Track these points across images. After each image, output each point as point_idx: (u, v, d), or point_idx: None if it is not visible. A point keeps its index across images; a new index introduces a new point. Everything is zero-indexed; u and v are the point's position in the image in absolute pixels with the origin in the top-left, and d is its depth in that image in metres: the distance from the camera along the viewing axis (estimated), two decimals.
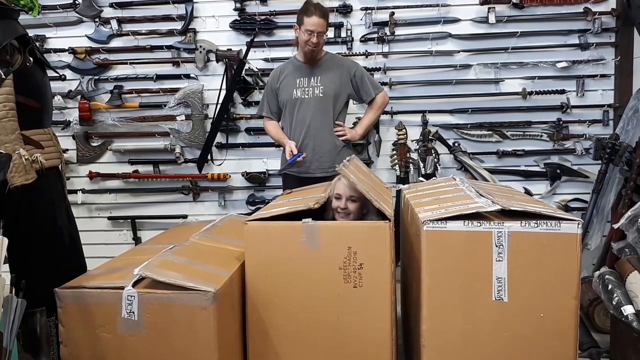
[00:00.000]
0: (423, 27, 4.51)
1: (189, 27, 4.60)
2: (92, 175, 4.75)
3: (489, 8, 4.39)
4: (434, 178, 4.06)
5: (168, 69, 4.70)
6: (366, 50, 4.51)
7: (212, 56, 4.59)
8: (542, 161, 4.55)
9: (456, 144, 4.48)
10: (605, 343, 3.20)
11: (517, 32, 4.42)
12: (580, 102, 4.47)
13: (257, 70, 4.54)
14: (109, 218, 4.87)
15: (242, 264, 2.55)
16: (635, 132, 3.99)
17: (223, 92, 4.49)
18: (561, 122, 4.46)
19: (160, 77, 4.66)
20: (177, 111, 4.62)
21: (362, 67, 3.95)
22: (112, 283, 2.33)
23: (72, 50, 4.65)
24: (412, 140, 4.46)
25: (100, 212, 4.90)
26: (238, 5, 4.54)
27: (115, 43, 4.71)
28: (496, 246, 2.20)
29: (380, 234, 2.41)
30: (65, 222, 2.90)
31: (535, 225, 2.18)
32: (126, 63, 4.67)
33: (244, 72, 4.48)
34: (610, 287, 2.93)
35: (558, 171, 4.51)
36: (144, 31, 4.65)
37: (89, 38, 4.69)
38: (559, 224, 2.18)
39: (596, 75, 4.41)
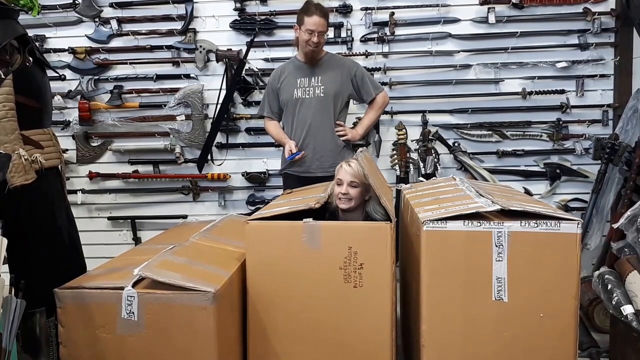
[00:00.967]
0: (423, 27, 4.51)
1: (189, 27, 4.59)
2: (92, 176, 4.75)
3: (489, 8, 4.39)
4: (433, 178, 4.06)
5: (168, 69, 4.70)
6: (366, 50, 4.51)
7: (212, 56, 4.59)
8: (541, 161, 4.55)
9: (456, 144, 4.48)
10: (604, 343, 3.21)
11: (517, 32, 4.42)
12: (579, 102, 4.47)
13: (257, 70, 4.54)
14: (109, 218, 4.87)
15: (242, 264, 2.56)
16: (634, 132, 3.99)
17: (223, 92, 4.49)
18: (561, 122, 4.46)
19: (160, 77, 4.66)
20: (177, 111, 4.62)
21: (362, 67, 3.95)
22: (112, 283, 2.33)
23: (72, 50, 4.65)
24: (412, 140, 4.46)
25: (100, 212, 4.90)
26: (238, 5, 4.54)
27: (115, 43, 4.71)
28: (496, 246, 2.20)
29: (381, 235, 2.41)
30: (65, 223, 2.90)
31: (535, 225, 2.18)
32: (126, 63, 4.67)
33: (244, 72, 4.48)
34: (609, 286, 2.94)
35: (558, 171, 4.51)
36: (144, 31, 4.65)
37: (89, 38, 4.68)
38: (558, 224, 2.18)
39: (596, 75, 4.41)
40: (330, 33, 4.41)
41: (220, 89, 4.50)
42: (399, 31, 4.52)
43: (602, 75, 4.41)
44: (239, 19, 4.56)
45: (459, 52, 4.49)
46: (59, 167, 2.92)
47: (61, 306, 2.34)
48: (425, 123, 4.48)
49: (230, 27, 4.58)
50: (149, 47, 4.63)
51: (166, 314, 2.24)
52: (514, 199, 2.50)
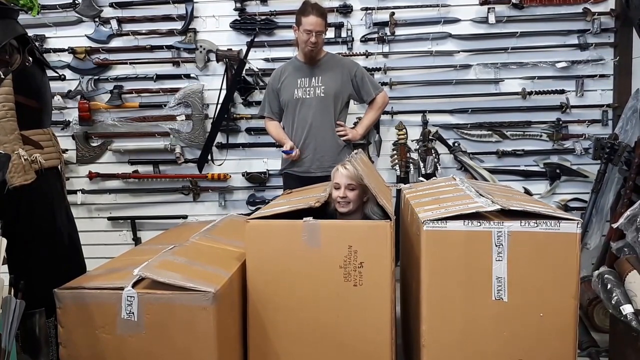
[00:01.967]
0: (423, 27, 4.51)
1: (189, 27, 4.60)
2: (91, 176, 4.75)
3: (489, 8, 4.39)
4: (434, 178, 4.06)
5: (168, 68, 4.70)
6: (366, 51, 4.51)
7: (213, 56, 4.59)
8: (541, 161, 4.55)
9: (456, 144, 4.49)
10: (604, 342, 3.21)
11: (517, 32, 4.42)
12: (579, 102, 4.47)
13: (257, 70, 4.54)
14: (109, 218, 4.87)
15: (242, 264, 2.55)
16: (634, 132, 3.99)
17: (223, 92, 4.49)
18: (561, 122, 4.46)
19: (160, 77, 4.66)
20: (177, 111, 4.62)
21: (362, 67, 3.96)
22: (112, 284, 2.32)
23: (72, 50, 4.65)
24: (412, 140, 4.46)
25: (100, 212, 4.90)
26: (238, 5, 4.54)
27: (115, 43, 4.71)
28: (496, 246, 2.20)
29: (380, 233, 2.41)
30: (64, 223, 2.90)
31: (535, 224, 2.18)
32: (126, 63, 4.67)
33: (244, 72, 4.48)
34: (609, 286, 2.93)
35: (557, 171, 4.51)
36: (144, 31, 4.65)
37: (89, 38, 4.68)
38: (558, 224, 2.18)
39: (595, 76, 4.42)
40: (331, 33, 4.42)
41: (221, 89, 4.50)
42: (399, 31, 4.52)
43: (602, 76, 4.42)
44: (239, 19, 4.56)
45: (459, 52, 4.49)
46: (59, 167, 2.92)
47: (61, 306, 2.34)
48: (425, 123, 4.48)
49: (231, 27, 4.58)
50: (149, 47, 4.63)
51: (166, 314, 2.24)
52: (514, 198, 2.50)
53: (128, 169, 4.78)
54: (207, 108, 4.67)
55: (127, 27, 4.66)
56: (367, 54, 4.50)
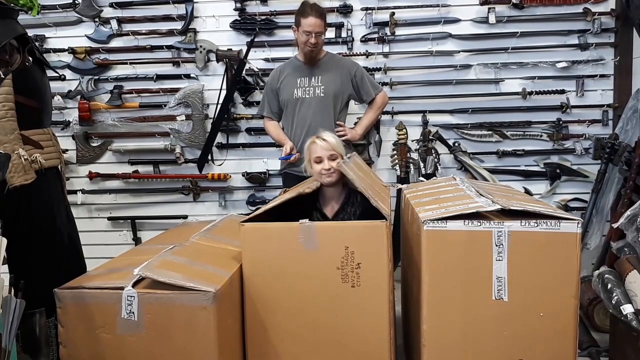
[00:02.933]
0: (423, 27, 4.52)
1: (189, 27, 4.60)
2: (91, 176, 4.75)
3: (489, 8, 4.40)
4: (434, 178, 4.06)
5: (168, 69, 4.70)
6: (366, 51, 4.51)
7: (213, 56, 4.59)
8: (542, 161, 4.55)
9: (456, 144, 4.49)
10: (604, 342, 3.21)
11: (517, 32, 4.42)
12: (579, 102, 4.47)
13: (257, 70, 4.54)
14: (109, 218, 4.87)
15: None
16: (634, 132, 4.00)
17: (223, 92, 4.49)
18: (561, 122, 4.46)
19: (160, 77, 4.66)
20: (177, 111, 4.63)
21: (362, 67, 3.96)
22: (112, 283, 2.32)
23: (72, 50, 4.66)
24: (413, 140, 4.46)
25: (100, 212, 4.90)
26: (238, 5, 4.54)
27: (115, 43, 4.71)
28: (496, 245, 2.20)
29: (377, 233, 2.41)
30: (64, 223, 2.90)
31: (535, 224, 2.18)
32: (126, 63, 4.68)
33: (244, 72, 4.48)
34: (609, 286, 2.94)
35: (558, 171, 4.51)
36: (144, 31, 4.66)
37: (89, 38, 4.69)
38: (558, 224, 2.18)
39: (596, 76, 4.42)
40: (331, 33, 4.42)
41: (221, 89, 4.50)
42: (400, 31, 4.52)
43: (602, 76, 4.42)
44: (239, 19, 4.57)
45: (459, 52, 4.50)
46: (59, 167, 2.92)
47: (61, 306, 2.34)
48: (425, 123, 4.48)
49: (231, 27, 4.58)
50: (149, 47, 4.64)
51: (166, 314, 2.24)
52: (514, 198, 2.49)
53: (128, 169, 4.79)
54: (207, 108, 4.67)
55: (127, 27, 4.67)
56: (367, 54, 4.50)
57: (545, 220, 2.18)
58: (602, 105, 4.45)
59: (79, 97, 4.66)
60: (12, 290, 2.02)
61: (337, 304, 2.47)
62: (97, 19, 4.65)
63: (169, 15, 4.61)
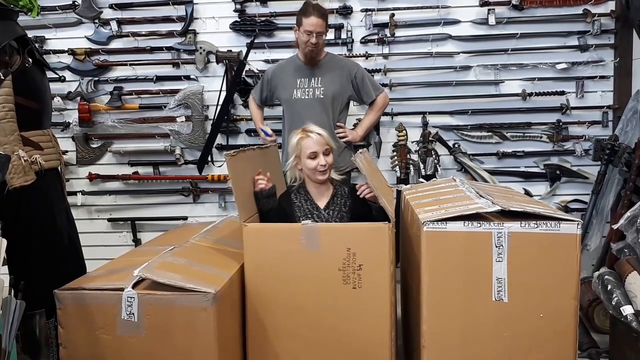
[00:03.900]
0: (423, 28, 4.52)
1: (189, 28, 4.60)
2: (91, 177, 4.75)
3: (489, 9, 4.40)
4: (434, 179, 4.06)
5: (168, 70, 4.70)
6: (366, 52, 4.51)
7: (212, 57, 4.59)
8: (541, 162, 4.55)
9: (456, 145, 4.49)
10: (604, 343, 3.21)
11: (517, 33, 4.42)
12: (579, 103, 4.47)
13: (257, 71, 4.54)
14: (109, 220, 4.87)
15: (242, 265, 2.55)
16: (634, 133, 4.00)
17: (223, 94, 4.49)
18: (561, 124, 4.46)
19: (160, 79, 4.66)
20: (177, 112, 4.63)
21: (363, 68, 3.95)
22: (112, 284, 2.32)
23: (72, 52, 4.65)
24: (413, 142, 4.46)
25: (100, 213, 4.90)
26: (238, 6, 4.54)
27: (115, 44, 4.71)
28: (496, 247, 2.20)
29: (379, 235, 2.41)
30: (64, 224, 2.90)
31: (535, 225, 2.18)
32: (126, 64, 4.68)
33: (244, 73, 4.47)
34: (609, 287, 2.93)
35: (558, 172, 4.51)
36: (143, 32, 4.66)
37: (89, 39, 4.69)
38: (558, 225, 2.18)
39: (595, 77, 4.42)
40: (331, 34, 4.42)
41: (221, 91, 4.49)
42: (399, 32, 4.52)
43: (602, 77, 4.42)
44: (239, 20, 4.57)
45: (459, 53, 4.49)
46: (59, 168, 2.92)
47: (61, 307, 2.34)
48: (425, 124, 4.48)
49: (231, 28, 4.58)
50: (148, 49, 4.64)
51: (166, 315, 2.24)
52: (514, 199, 2.50)
53: (128, 170, 4.78)
54: (207, 109, 4.68)
55: (127, 28, 4.67)
56: (367, 56, 4.50)
57: (545, 222, 2.18)
58: (602, 107, 4.45)
59: (78, 98, 4.66)
60: (12, 291, 2.02)
61: (338, 306, 2.47)
62: (97, 20, 4.65)
63: (169, 16, 4.61)
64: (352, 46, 4.55)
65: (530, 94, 4.45)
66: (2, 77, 2.52)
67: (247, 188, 2.77)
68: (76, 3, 4.62)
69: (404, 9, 4.48)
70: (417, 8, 4.48)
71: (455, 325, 2.28)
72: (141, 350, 2.29)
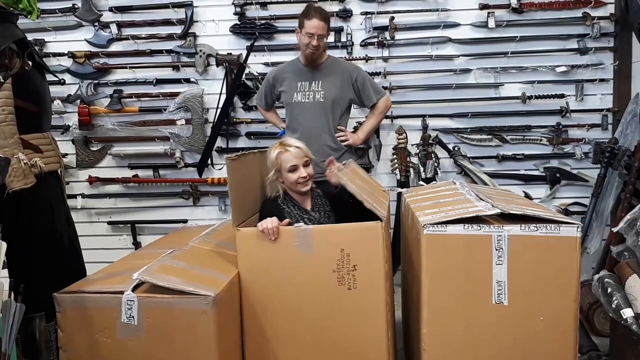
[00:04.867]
0: (423, 31, 4.52)
1: (189, 31, 4.60)
2: (91, 180, 4.75)
3: (489, 13, 4.40)
4: (434, 182, 4.05)
5: (168, 73, 4.70)
6: (366, 55, 4.52)
7: (212, 60, 4.60)
8: (541, 165, 4.55)
9: (456, 148, 4.49)
10: (604, 346, 3.21)
11: (517, 36, 4.43)
12: (579, 106, 4.47)
13: (257, 74, 4.55)
14: (109, 223, 4.87)
15: None
16: (633, 136, 3.99)
17: (223, 97, 4.49)
18: (560, 126, 4.46)
19: (160, 81, 4.67)
20: (177, 115, 4.63)
21: (364, 71, 3.93)
22: (112, 287, 2.32)
23: (72, 54, 4.66)
24: (413, 145, 4.46)
25: (100, 216, 4.90)
26: (238, 9, 4.55)
27: (115, 47, 4.72)
28: (496, 250, 2.20)
29: (372, 234, 2.41)
30: (64, 227, 2.89)
31: (535, 228, 2.18)
32: (126, 67, 4.68)
33: (244, 76, 4.48)
34: (609, 290, 2.93)
35: (557, 175, 4.51)
36: (143, 35, 4.66)
37: (89, 42, 4.69)
38: (558, 228, 2.17)
39: (595, 80, 4.42)
40: (331, 37, 4.41)
41: (220, 93, 4.50)
42: (399, 35, 4.53)
43: (602, 80, 4.42)
44: (239, 23, 4.57)
45: (458, 56, 4.50)
46: (59, 171, 2.92)
47: (61, 310, 2.34)
48: (425, 127, 4.48)
49: (230, 31, 4.59)
50: (148, 52, 4.64)
51: (166, 318, 2.24)
52: (514, 202, 2.50)
53: (128, 173, 4.78)
54: (207, 112, 4.68)
55: (127, 31, 4.67)
56: (367, 58, 4.51)
57: (545, 225, 2.18)
58: (602, 110, 4.45)
59: (78, 101, 4.67)
60: (12, 295, 2.02)
61: (333, 307, 2.47)
62: (96, 23, 4.65)
63: (169, 19, 4.61)
64: (352, 49, 4.56)
65: (530, 97, 4.45)
66: (2, 80, 2.51)
67: (244, 192, 2.76)
68: (76, 6, 4.63)
69: (404, 12, 4.48)
70: (417, 11, 4.48)
71: (456, 329, 2.28)
72: (141, 353, 2.29)
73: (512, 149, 4.56)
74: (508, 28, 4.45)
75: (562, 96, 4.43)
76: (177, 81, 4.68)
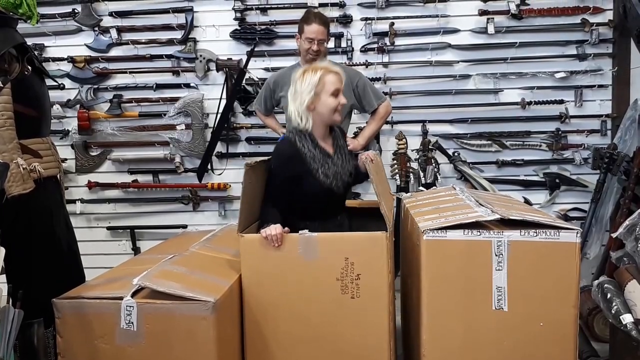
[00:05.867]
0: (423, 37, 4.53)
1: (189, 36, 4.61)
2: (91, 185, 4.75)
3: (488, 19, 4.41)
4: (434, 187, 4.06)
5: (168, 78, 4.70)
6: (366, 60, 4.52)
7: (212, 65, 4.60)
8: (541, 171, 4.55)
9: (456, 154, 4.49)
10: (604, 352, 3.20)
11: (516, 42, 4.43)
12: (578, 112, 4.48)
13: (257, 79, 4.54)
14: (108, 228, 4.86)
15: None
16: (632, 142, 3.99)
17: (223, 102, 4.49)
18: (560, 132, 4.47)
19: (160, 86, 4.66)
20: (177, 120, 4.63)
21: (365, 77, 3.91)
22: (111, 293, 2.31)
23: (71, 59, 4.65)
24: (412, 150, 4.46)
25: (99, 222, 4.89)
26: (238, 14, 4.55)
27: (115, 52, 4.72)
28: (496, 255, 2.20)
29: (377, 244, 2.41)
30: (63, 232, 2.89)
31: (535, 234, 2.18)
32: (126, 72, 4.68)
33: (244, 81, 4.48)
34: (609, 296, 2.92)
35: (557, 181, 4.51)
36: (143, 40, 4.66)
37: (88, 47, 4.69)
38: (558, 233, 2.18)
39: (594, 86, 4.43)
40: (331, 43, 4.42)
41: (221, 99, 4.50)
42: (399, 41, 4.53)
43: (601, 86, 4.43)
44: (239, 28, 4.58)
45: (458, 62, 4.51)
46: (58, 176, 2.92)
47: (60, 316, 2.33)
48: (425, 133, 4.49)
49: (231, 36, 4.59)
50: (148, 56, 4.65)
51: (166, 324, 2.23)
52: (514, 208, 2.50)
53: (127, 178, 4.78)
54: (207, 117, 4.68)
55: (127, 36, 4.67)
56: (367, 64, 4.51)
57: (544, 230, 2.18)
58: (601, 115, 4.46)
59: (78, 106, 4.67)
60: (11, 300, 2.02)
61: (336, 315, 2.47)
62: (96, 28, 4.65)
63: (169, 24, 4.61)
64: (352, 55, 4.56)
65: (530, 103, 4.46)
66: (1, 85, 2.52)
67: (252, 200, 2.76)
68: (76, 11, 4.63)
69: (404, 18, 4.49)
70: (417, 17, 4.49)
71: (455, 334, 2.28)
72: (140, 359, 2.28)
73: (512, 155, 4.56)
74: (507, 34, 4.46)
75: (561, 102, 4.43)
76: (177, 86, 4.67)
